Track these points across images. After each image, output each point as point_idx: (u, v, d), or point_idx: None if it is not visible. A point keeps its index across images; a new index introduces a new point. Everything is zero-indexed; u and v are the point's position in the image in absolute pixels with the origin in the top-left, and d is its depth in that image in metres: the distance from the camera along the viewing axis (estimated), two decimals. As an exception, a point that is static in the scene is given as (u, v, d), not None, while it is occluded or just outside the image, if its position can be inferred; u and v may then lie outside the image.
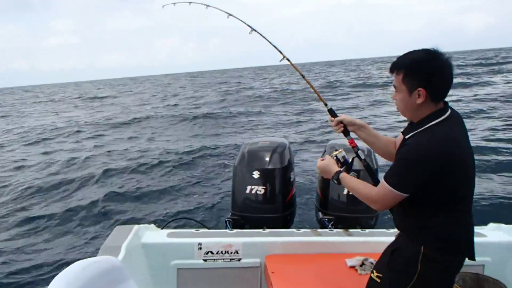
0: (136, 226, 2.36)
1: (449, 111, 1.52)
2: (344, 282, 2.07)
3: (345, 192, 2.89)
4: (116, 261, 1.69)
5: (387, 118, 12.52)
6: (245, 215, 2.93)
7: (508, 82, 19.60)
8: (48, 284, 1.35)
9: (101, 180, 7.52)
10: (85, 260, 1.53)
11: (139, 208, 5.97)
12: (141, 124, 15.33)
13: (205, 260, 2.32)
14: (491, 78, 22.56)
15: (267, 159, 2.95)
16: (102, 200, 6.30)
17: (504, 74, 24.33)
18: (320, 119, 13.18)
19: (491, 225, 2.55)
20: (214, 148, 9.55)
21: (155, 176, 7.67)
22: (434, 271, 1.51)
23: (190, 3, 2.76)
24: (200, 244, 2.31)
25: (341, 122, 1.89)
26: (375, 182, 1.72)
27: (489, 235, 2.41)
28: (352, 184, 1.70)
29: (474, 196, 1.57)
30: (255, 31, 2.36)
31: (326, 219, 2.89)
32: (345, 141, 1.99)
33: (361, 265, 2.16)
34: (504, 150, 7.38)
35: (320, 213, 3.02)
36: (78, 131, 14.51)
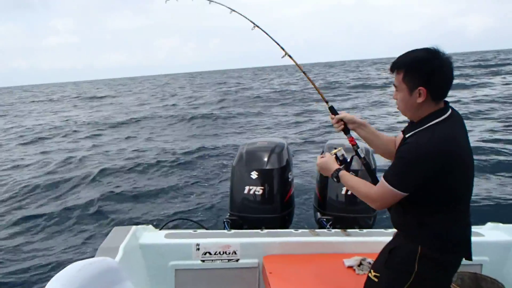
0: (134, 227, 2.36)
1: (450, 110, 1.51)
2: (342, 282, 2.06)
3: (343, 192, 2.89)
4: (113, 262, 1.67)
5: (386, 119, 12.54)
6: (244, 216, 2.92)
7: (506, 84, 19.67)
8: (44, 286, 1.34)
9: (98, 180, 7.50)
10: (81, 261, 1.52)
11: (136, 208, 5.96)
12: (140, 124, 15.32)
13: (203, 261, 2.31)
14: (490, 79, 22.66)
15: (265, 159, 2.94)
16: (100, 200, 6.29)
17: (503, 76, 24.44)
18: (319, 119, 13.18)
19: (489, 224, 2.55)
20: (212, 149, 9.55)
21: (153, 176, 7.66)
22: (432, 270, 1.51)
23: None
24: (198, 244, 2.30)
25: (341, 120, 1.88)
26: (374, 181, 1.71)
27: (487, 234, 2.41)
28: (352, 182, 1.69)
29: (472, 196, 1.57)
30: (258, 27, 2.37)
31: (325, 219, 2.89)
32: (344, 142, 1.98)
33: (359, 265, 2.15)
34: (502, 151, 7.41)
35: (318, 213, 3.02)
36: (76, 131, 14.50)
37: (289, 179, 3.02)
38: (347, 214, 2.89)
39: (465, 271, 2.10)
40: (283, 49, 2.27)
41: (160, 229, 2.54)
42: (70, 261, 1.49)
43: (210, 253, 2.31)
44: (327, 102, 2.04)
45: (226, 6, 2.52)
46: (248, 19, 2.40)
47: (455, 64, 1.50)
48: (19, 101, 40.98)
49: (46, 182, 7.53)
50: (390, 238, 1.72)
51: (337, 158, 1.83)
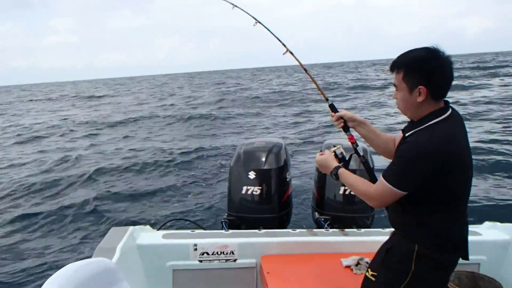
0: (131, 228, 2.35)
1: (450, 110, 1.51)
2: (340, 282, 2.06)
3: (341, 192, 2.88)
4: (109, 263, 1.66)
5: (385, 119, 12.55)
6: (241, 216, 2.91)
7: (505, 85, 19.75)
8: (40, 286, 1.33)
9: (95, 179, 7.48)
10: (77, 262, 1.51)
11: (134, 208, 5.94)
12: (138, 123, 15.30)
13: (200, 261, 2.30)
14: (488, 81, 22.74)
15: (263, 159, 2.94)
16: (97, 199, 6.26)
17: (501, 78, 24.53)
18: (318, 120, 13.19)
19: (487, 223, 2.55)
20: (210, 149, 9.53)
21: (150, 176, 7.64)
22: (428, 269, 1.50)
23: None
24: (195, 245, 2.29)
25: (341, 117, 1.88)
26: (373, 180, 1.71)
27: (484, 233, 2.41)
28: (351, 180, 1.68)
29: (470, 195, 1.57)
30: (260, 23, 2.37)
31: (322, 219, 2.88)
32: (342, 141, 1.97)
33: (356, 265, 2.15)
34: (500, 151, 7.46)
35: (316, 213, 3.01)
36: (73, 130, 14.47)
37: (287, 179, 3.01)
38: (345, 213, 2.89)
39: (462, 270, 2.10)
40: (284, 45, 2.26)
41: (157, 230, 2.53)
42: (67, 261, 1.49)
43: (208, 253, 2.30)
44: (327, 99, 2.04)
45: (229, 2, 2.54)
46: (250, 15, 2.41)
47: (454, 66, 1.50)
48: (17, 100, 40.89)
49: (42, 181, 7.51)
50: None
51: (336, 155, 1.83)
